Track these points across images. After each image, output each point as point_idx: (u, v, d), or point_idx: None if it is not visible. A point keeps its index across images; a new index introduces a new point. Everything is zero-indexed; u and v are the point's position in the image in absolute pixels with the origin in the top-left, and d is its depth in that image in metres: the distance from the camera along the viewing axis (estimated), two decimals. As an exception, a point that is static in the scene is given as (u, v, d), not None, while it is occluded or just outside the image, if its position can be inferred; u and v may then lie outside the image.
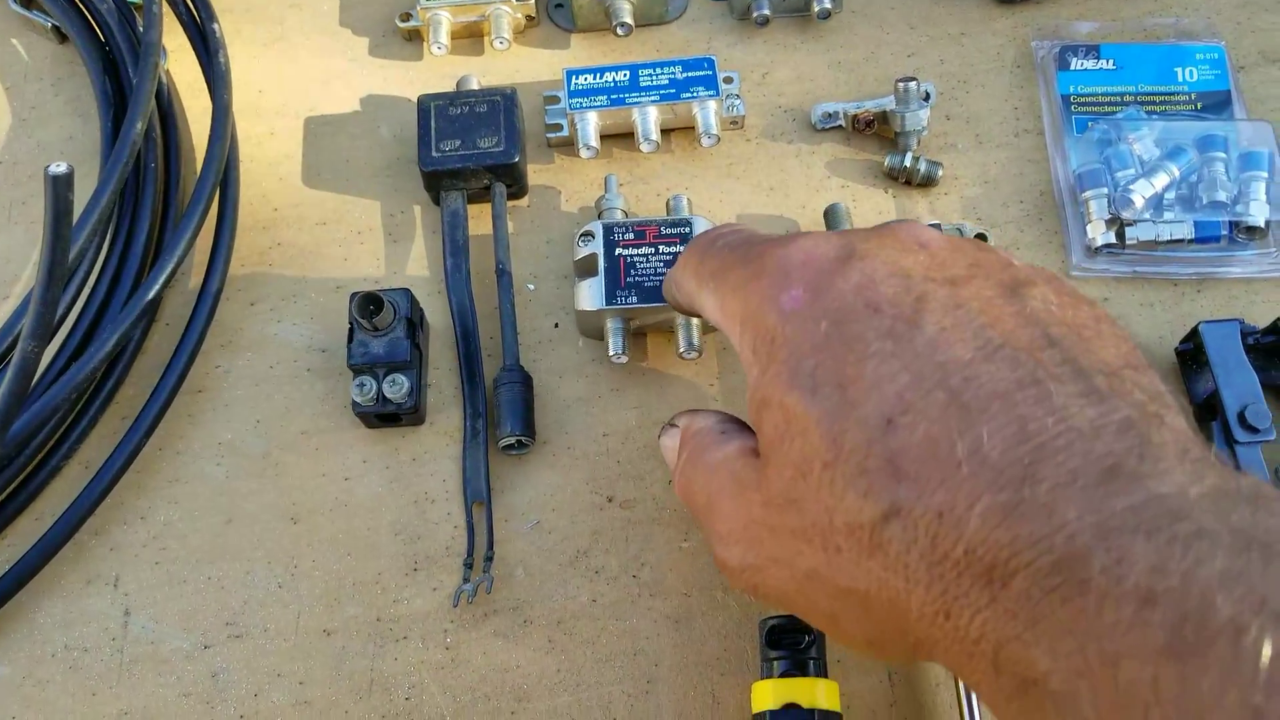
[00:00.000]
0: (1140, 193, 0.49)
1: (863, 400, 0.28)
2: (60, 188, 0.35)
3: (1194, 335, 0.46)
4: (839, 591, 0.30)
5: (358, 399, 0.45)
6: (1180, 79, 0.54)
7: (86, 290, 0.49)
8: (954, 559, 0.26)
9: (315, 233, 0.52)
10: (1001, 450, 0.26)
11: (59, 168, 0.34)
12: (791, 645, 0.40)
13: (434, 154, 0.50)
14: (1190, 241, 0.49)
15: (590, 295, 0.47)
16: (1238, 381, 0.45)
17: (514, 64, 0.57)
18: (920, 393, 0.27)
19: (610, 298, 0.47)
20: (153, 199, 0.51)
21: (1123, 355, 0.29)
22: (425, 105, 0.52)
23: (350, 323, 0.46)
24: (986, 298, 0.30)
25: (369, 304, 0.46)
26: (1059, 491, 0.25)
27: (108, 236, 0.50)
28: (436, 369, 0.49)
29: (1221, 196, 0.49)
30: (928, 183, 0.52)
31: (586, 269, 0.48)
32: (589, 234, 0.48)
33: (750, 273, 0.33)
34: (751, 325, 0.32)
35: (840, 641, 0.32)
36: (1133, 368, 0.29)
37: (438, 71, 0.56)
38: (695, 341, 0.47)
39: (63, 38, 0.58)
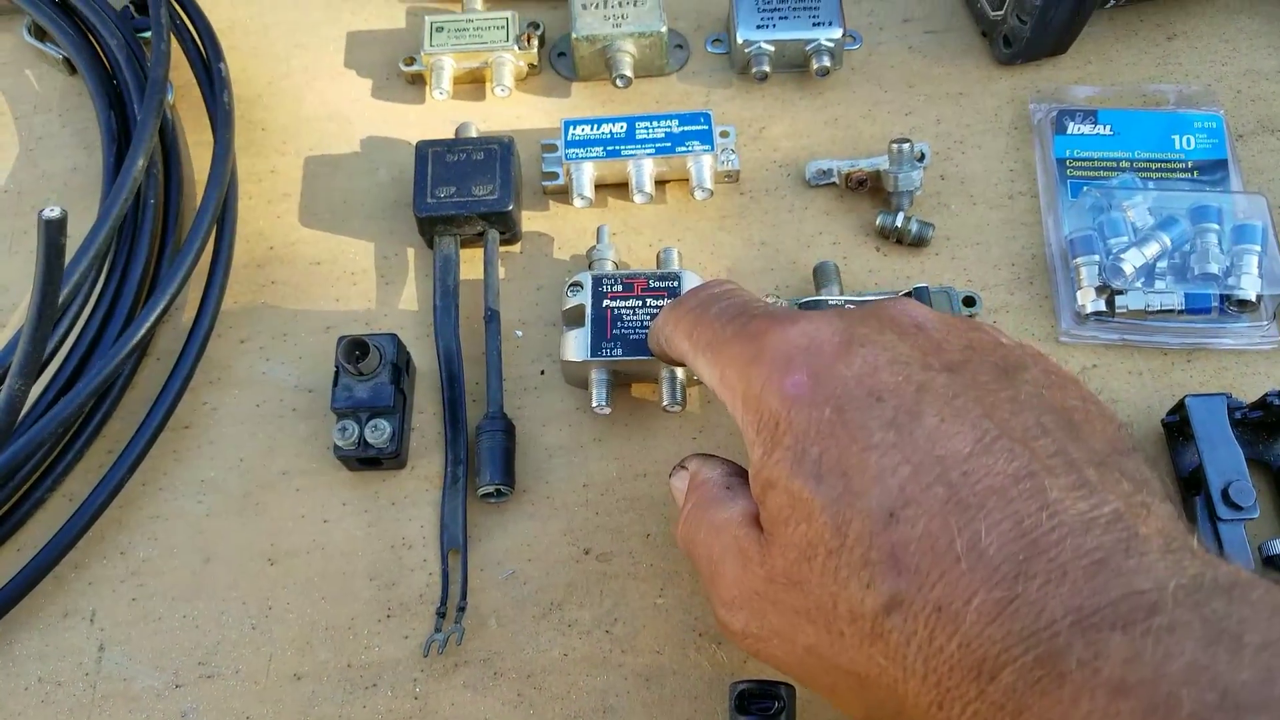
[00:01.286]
0: (1131, 262, 0.49)
1: (866, 491, 0.29)
2: (52, 232, 0.36)
3: (1181, 408, 0.46)
4: (838, 670, 0.31)
5: (339, 443, 0.46)
6: (1177, 146, 0.54)
7: (80, 324, 0.49)
8: (949, 653, 0.27)
9: (309, 272, 0.53)
10: (998, 546, 0.27)
11: (52, 212, 0.35)
12: (761, 711, 0.39)
13: (429, 200, 0.51)
14: (1181, 312, 0.49)
15: (576, 346, 0.47)
16: (1222, 457, 0.44)
17: (514, 111, 0.57)
18: (921, 486, 0.29)
19: (596, 349, 0.47)
20: (150, 234, 0.51)
21: (1110, 440, 0.31)
22: (423, 151, 0.52)
23: (336, 366, 0.46)
24: (982, 384, 0.31)
25: (355, 349, 0.46)
26: (1049, 589, 0.26)
27: (104, 270, 0.50)
28: (421, 412, 0.49)
29: (1213, 268, 0.49)
30: (919, 243, 0.52)
31: (574, 319, 0.49)
32: (578, 284, 0.49)
33: (750, 352, 0.34)
34: (754, 406, 0.33)
35: (836, 708, 0.34)
36: (1120, 453, 0.30)
37: (439, 116, 0.57)
38: (679, 395, 0.47)
39: (73, 70, 0.59)
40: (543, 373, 0.50)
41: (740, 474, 0.38)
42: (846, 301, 0.48)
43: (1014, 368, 0.32)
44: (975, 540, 0.27)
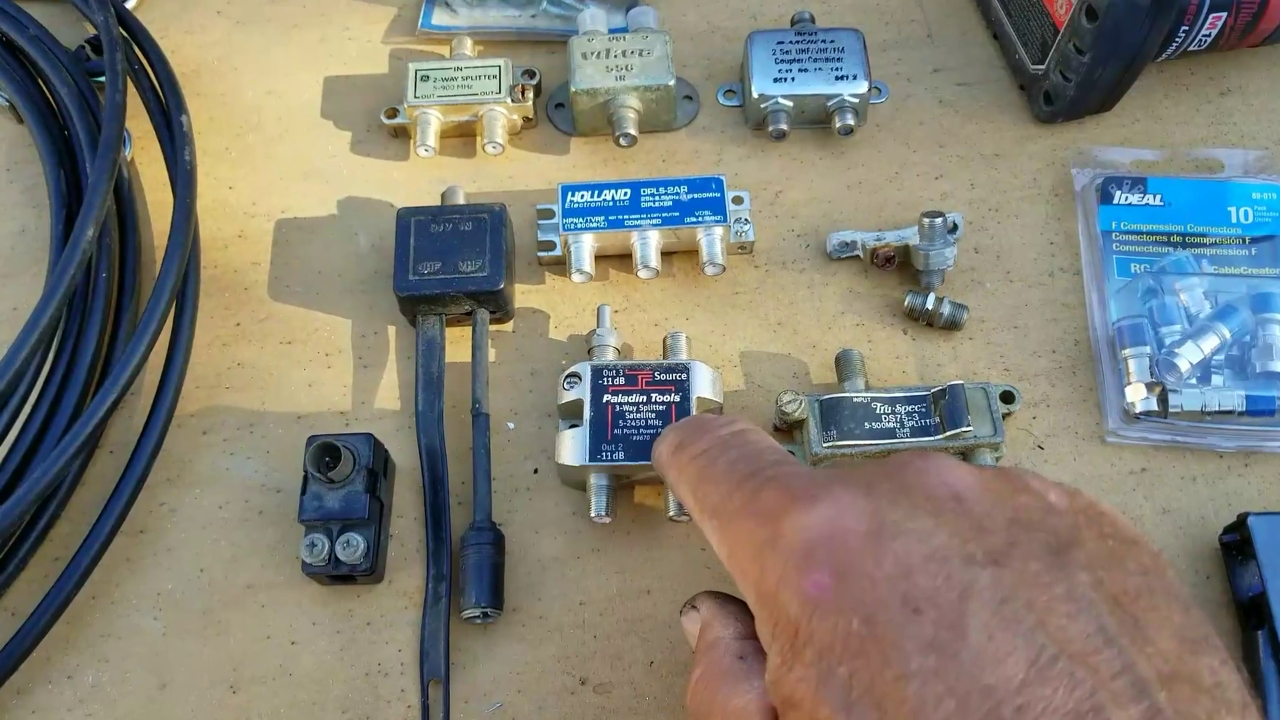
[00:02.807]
0: (1187, 358, 0.44)
1: None
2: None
3: (1241, 526, 0.42)
4: None
5: (308, 559, 0.41)
6: (1233, 219, 0.49)
7: (23, 415, 0.44)
8: None
9: (279, 353, 0.48)
10: None
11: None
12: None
13: (411, 277, 0.46)
14: (1241, 414, 0.44)
15: (573, 449, 0.42)
16: (1291, 588, 0.40)
17: (507, 169, 0.52)
18: None
19: (595, 453, 0.42)
20: (103, 311, 0.47)
21: (1179, 632, 0.27)
22: (405, 221, 0.47)
23: (304, 472, 0.42)
24: (1033, 576, 0.27)
25: (325, 455, 0.41)
26: None
27: (50, 354, 0.46)
28: (400, 517, 0.44)
29: (1276, 366, 0.44)
30: (951, 326, 0.47)
31: (571, 414, 0.44)
32: (575, 376, 0.44)
33: (764, 535, 0.29)
34: (769, 603, 0.28)
35: None
36: (1193, 650, 0.26)
37: (424, 174, 0.52)
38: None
39: (20, 118, 0.54)
40: (536, 471, 0.45)
41: (754, 641, 0.33)
42: (872, 398, 0.44)
43: (1066, 545, 0.28)
44: None
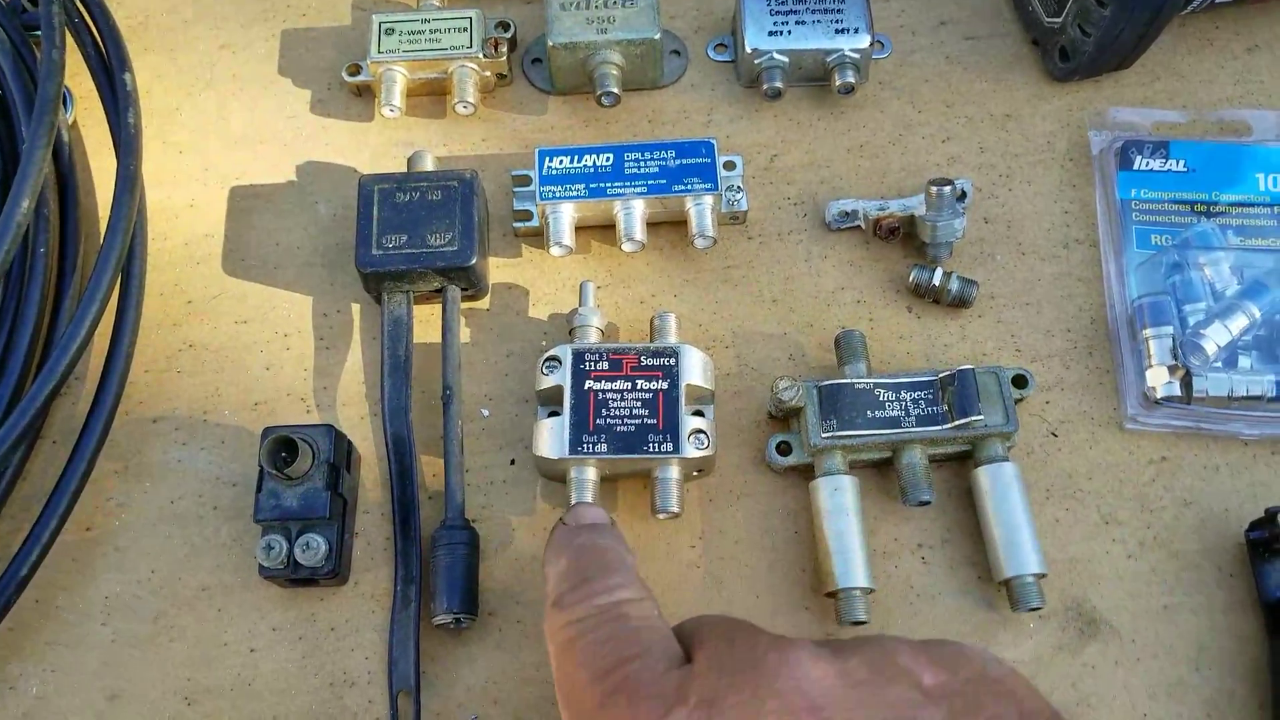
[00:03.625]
0: (1214, 339, 0.41)
1: None
2: None
3: (1269, 522, 0.39)
4: None
5: (264, 562, 0.38)
6: (1262, 186, 0.46)
7: (-46, 404, 0.41)
8: None
9: (234, 333, 0.44)
10: None
11: None
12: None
13: (375, 251, 0.42)
14: (1271, 400, 0.41)
15: (551, 440, 0.39)
16: (1323, 590, 0.37)
17: (480, 130, 0.48)
18: None
19: (576, 444, 0.39)
20: (41, 289, 0.43)
21: None
22: (368, 189, 0.43)
23: (260, 467, 0.38)
24: None
25: (281, 450, 0.38)
26: None
27: (-17, 337, 0.42)
28: (366, 513, 0.41)
29: (1310, 348, 0.41)
30: (960, 303, 0.44)
31: (550, 401, 0.41)
32: (555, 360, 0.41)
33: None
34: None
35: None
36: None
37: (390, 136, 0.48)
38: (673, 502, 0.39)
39: (-48, 75, 0.49)
40: (513, 462, 0.42)
41: None
42: (875, 385, 0.40)
43: None
44: None
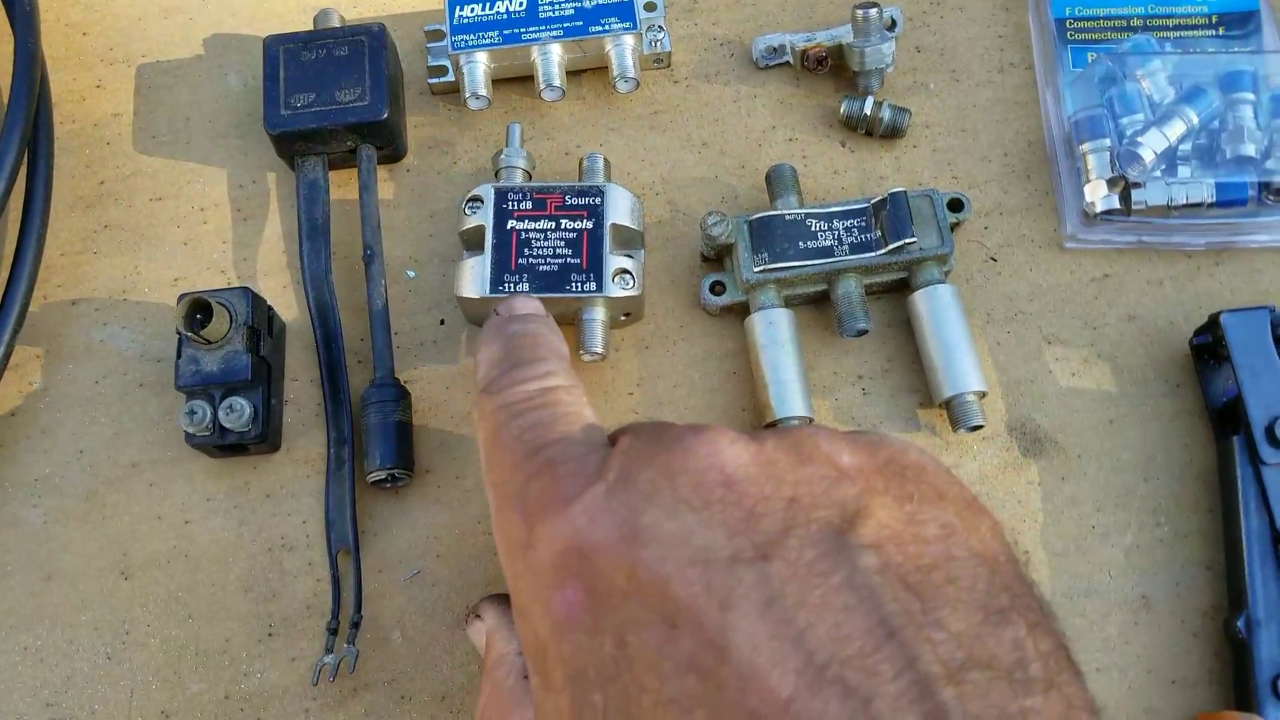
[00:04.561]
0: (1151, 146, 0.40)
1: None
2: None
3: (1213, 326, 0.38)
4: None
5: (189, 428, 0.37)
6: (1200, -4, 0.44)
7: None
8: None
9: (150, 211, 0.43)
10: None
11: None
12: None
13: (283, 111, 0.41)
14: (1211, 205, 0.40)
15: (472, 279, 0.38)
16: (1267, 386, 0.37)
17: (390, -12, 0.47)
18: None
19: (497, 283, 0.38)
20: (-57, 175, 0.41)
21: (981, 604, 0.23)
22: (273, 49, 0.42)
23: (178, 334, 0.37)
24: (807, 568, 0.22)
25: (196, 312, 0.37)
26: None
27: (-115, 226, 0.41)
28: (295, 380, 0.40)
29: (1249, 150, 0.40)
30: (893, 133, 0.43)
31: (473, 242, 0.40)
32: (477, 200, 0.39)
33: (518, 536, 0.25)
34: (523, 620, 0.25)
35: None
36: (996, 621, 0.23)
37: (298, 2, 0.46)
38: (597, 342, 0.38)
39: None
40: (443, 322, 0.41)
41: None
42: (807, 215, 0.39)
43: (852, 520, 0.23)
44: None
